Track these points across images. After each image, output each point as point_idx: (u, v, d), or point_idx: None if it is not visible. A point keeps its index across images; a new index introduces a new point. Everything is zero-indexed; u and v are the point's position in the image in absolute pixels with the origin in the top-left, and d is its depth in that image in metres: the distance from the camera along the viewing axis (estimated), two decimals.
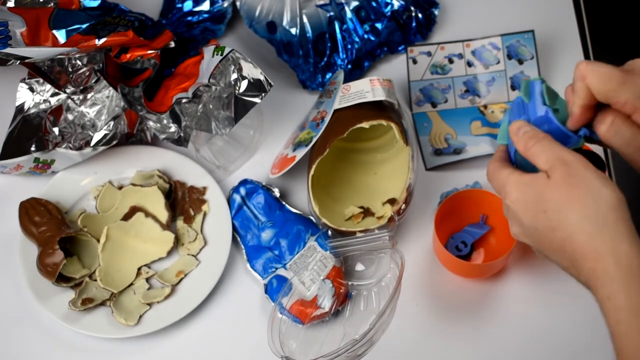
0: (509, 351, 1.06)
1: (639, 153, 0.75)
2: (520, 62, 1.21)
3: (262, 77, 1.06)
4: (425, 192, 1.14)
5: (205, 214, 1.13)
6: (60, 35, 1.09)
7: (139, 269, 1.10)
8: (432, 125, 1.20)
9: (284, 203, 1.12)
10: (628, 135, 0.75)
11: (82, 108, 1.13)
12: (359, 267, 1.08)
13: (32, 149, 1.12)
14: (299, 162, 1.09)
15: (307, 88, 1.22)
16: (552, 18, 1.27)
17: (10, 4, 1.12)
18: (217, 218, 1.12)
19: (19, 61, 1.04)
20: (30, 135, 1.13)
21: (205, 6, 1.23)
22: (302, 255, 1.08)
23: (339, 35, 1.21)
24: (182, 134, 1.07)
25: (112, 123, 1.12)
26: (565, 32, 1.26)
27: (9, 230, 1.11)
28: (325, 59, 1.21)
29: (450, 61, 1.22)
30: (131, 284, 1.09)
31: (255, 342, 1.04)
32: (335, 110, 1.10)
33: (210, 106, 1.07)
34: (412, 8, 1.23)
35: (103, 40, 1.07)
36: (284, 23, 1.20)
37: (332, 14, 1.20)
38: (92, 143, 1.11)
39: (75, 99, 1.13)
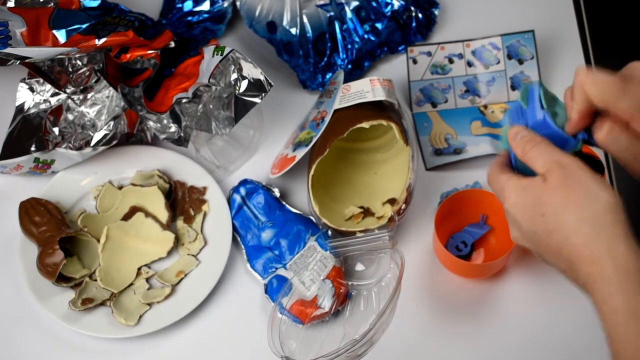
0: (509, 351, 1.06)
1: (635, 160, 0.76)
2: (521, 62, 1.21)
3: (262, 77, 1.06)
4: (425, 192, 1.14)
5: (205, 214, 1.13)
6: (60, 35, 1.09)
7: (139, 269, 1.10)
8: (432, 125, 1.20)
9: (284, 203, 1.12)
10: (625, 142, 0.75)
11: (82, 108, 1.13)
12: (359, 267, 1.08)
13: (32, 149, 1.12)
14: (299, 162, 1.09)
15: (307, 88, 1.22)
16: (552, 18, 1.27)
17: (10, 4, 1.12)
18: (217, 218, 1.12)
19: (19, 61, 1.04)
20: (30, 135, 1.13)
21: (205, 6, 1.23)
22: (302, 255, 1.08)
23: (339, 35, 1.21)
24: (182, 134, 1.07)
25: (112, 123, 1.12)
26: (565, 32, 1.26)
27: (9, 230, 1.11)
28: (325, 59, 1.21)
29: (451, 61, 1.22)
30: (131, 284, 1.09)
31: (255, 342, 1.04)
32: (335, 110, 1.10)
33: (210, 106, 1.07)
34: (412, 8, 1.23)
35: (103, 40, 1.07)
36: (284, 23, 1.20)
37: (332, 14, 1.20)
38: (92, 143, 1.11)
39: (75, 99, 1.13)
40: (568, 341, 1.05)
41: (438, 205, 1.12)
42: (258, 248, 1.10)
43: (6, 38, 1.06)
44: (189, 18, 1.22)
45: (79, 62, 1.13)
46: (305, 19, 1.20)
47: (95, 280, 1.08)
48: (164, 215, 1.11)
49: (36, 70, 1.12)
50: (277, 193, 1.13)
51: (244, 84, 1.06)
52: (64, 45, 1.08)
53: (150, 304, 1.07)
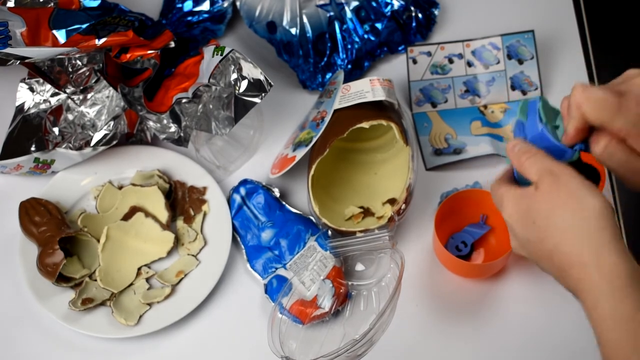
0: (509, 351, 1.06)
1: (633, 175, 0.76)
2: (520, 62, 1.21)
3: (262, 77, 1.06)
4: (425, 192, 1.14)
5: (205, 214, 1.13)
6: (60, 35, 1.09)
7: (139, 269, 1.10)
8: (432, 125, 1.20)
9: (284, 203, 1.12)
10: (622, 157, 0.75)
11: (82, 108, 1.13)
12: (359, 267, 1.08)
13: (32, 149, 1.12)
14: (299, 162, 1.09)
15: (307, 88, 1.22)
16: (552, 18, 1.27)
17: (10, 4, 1.12)
18: (217, 218, 1.12)
19: (19, 61, 1.04)
20: (30, 135, 1.13)
21: (205, 6, 1.23)
22: (302, 255, 1.08)
23: (339, 35, 1.21)
24: (182, 134, 1.07)
25: (112, 123, 1.12)
26: (565, 32, 1.26)
27: (9, 230, 1.11)
28: (325, 59, 1.21)
29: (450, 61, 1.22)
30: (131, 284, 1.09)
31: (255, 342, 1.04)
32: (335, 110, 1.10)
33: (210, 106, 1.07)
34: (412, 8, 1.23)
35: (103, 40, 1.07)
36: (284, 23, 1.20)
37: (332, 14, 1.20)
38: (92, 143, 1.11)
39: (75, 99, 1.13)
40: (568, 341, 1.06)
41: (438, 205, 1.12)
42: (258, 248, 1.10)
43: (6, 38, 1.06)
44: (189, 18, 1.22)
45: (79, 62, 1.13)
46: (305, 19, 1.20)
47: (95, 280, 1.08)
48: (164, 215, 1.11)
49: (36, 70, 1.12)
50: (277, 193, 1.13)
51: (243, 84, 1.06)
52: (64, 45, 1.08)
53: (150, 304, 1.07)
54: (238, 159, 1.17)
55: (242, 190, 1.13)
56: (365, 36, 1.21)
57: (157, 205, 1.12)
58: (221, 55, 1.07)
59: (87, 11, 1.14)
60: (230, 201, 1.13)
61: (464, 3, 1.29)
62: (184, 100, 1.07)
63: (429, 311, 1.08)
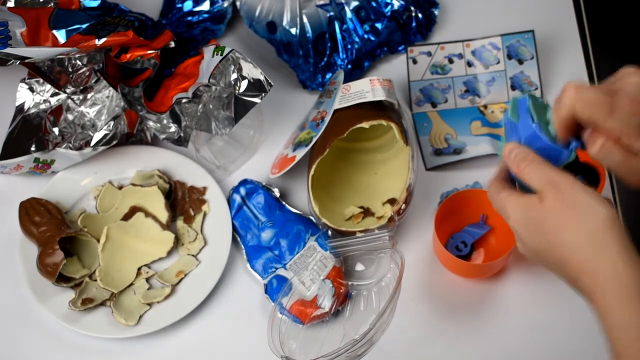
0: (509, 351, 1.06)
1: (631, 173, 0.76)
2: (520, 62, 1.21)
3: (262, 77, 1.06)
4: (425, 192, 1.14)
5: (205, 214, 1.13)
6: (60, 35, 1.09)
7: (139, 269, 1.10)
8: (432, 125, 1.20)
9: (284, 203, 1.12)
10: (619, 156, 0.75)
11: (82, 108, 1.13)
12: (359, 267, 1.08)
13: (32, 149, 1.12)
14: (299, 162, 1.09)
15: (307, 88, 1.22)
16: (552, 18, 1.27)
17: (10, 4, 1.12)
18: (217, 218, 1.12)
19: (19, 61, 1.04)
20: (30, 135, 1.13)
21: (205, 6, 1.23)
22: (302, 255, 1.08)
23: (339, 35, 1.21)
24: (182, 134, 1.07)
25: (112, 123, 1.12)
26: (565, 32, 1.26)
27: (9, 230, 1.11)
28: (325, 59, 1.21)
29: (450, 61, 1.22)
30: (131, 284, 1.09)
31: (255, 342, 1.04)
32: (335, 110, 1.10)
33: (210, 106, 1.07)
34: (412, 8, 1.23)
35: (103, 40, 1.07)
36: (284, 23, 1.20)
37: (332, 14, 1.20)
38: (92, 143, 1.11)
39: (75, 99, 1.13)
40: (568, 341, 1.06)
41: (438, 205, 1.12)
42: (258, 248, 1.10)
43: (6, 38, 1.06)
44: (189, 18, 1.22)
45: (79, 62, 1.13)
46: (305, 19, 1.20)
47: (95, 280, 1.08)
48: (164, 215, 1.11)
49: (36, 70, 1.12)
50: (277, 193, 1.13)
51: (243, 84, 1.06)
52: (64, 45, 1.08)
53: (150, 304, 1.07)
54: (238, 159, 1.17)
55: (242, 190, 1.13)
56: (365, 36, 1.21)
57: (157, 205, 1.12)
58: (221, 55, 1.07)
59: (87, 11, 1.14)
60: (230, 201, 1.13)
61: (464, 3, 1.29)
62: (184, 100, 1.07)
63: (429, 311, 1.08)
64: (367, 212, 1.12)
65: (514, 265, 1.10)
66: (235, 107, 1.06)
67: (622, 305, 0.71)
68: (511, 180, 0.83)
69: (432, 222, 1.06)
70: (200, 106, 1.07)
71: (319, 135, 1.09)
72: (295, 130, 1.18)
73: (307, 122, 1.15)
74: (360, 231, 1.07)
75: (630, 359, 0.71)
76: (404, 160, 1.10)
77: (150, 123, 1.07)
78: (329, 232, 1.08)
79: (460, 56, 1.22)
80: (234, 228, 1.12)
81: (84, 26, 1.08)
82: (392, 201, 1.10)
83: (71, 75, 1.13)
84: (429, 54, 1.22)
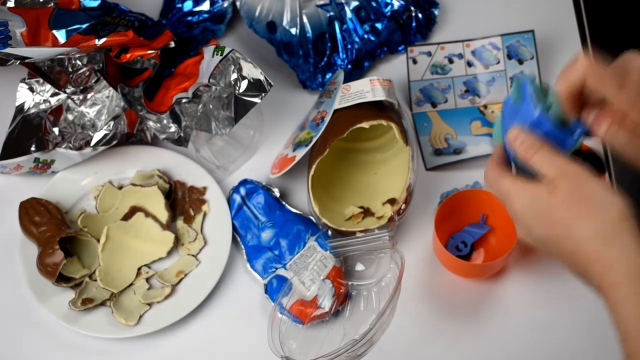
0: (509, 351, 1.06)
1: (636, 155, 0.76)
2: (520, 62, 1.21)
3: (262, 77, 1.06)
4: (425, 192, 1.14)
5: (205, 214, 1.13)
6: (60, 35, 1.09)
7: (139, 269, 1.10)
8: (432, 125, 1.19)
9: (284, 203, 1.12)
10: (625, 139, 0.75)
11: (82, 108, 1.13)
12: (359, 267, 1.08)
13: (32, 149, 1.12)
14: (299, 162, 1.09)
15: (307, 88, 1.22)
16: (552, 18, 1.27)
17: (10, 4, 1.12)
18: (217, 218, 1.12)
19: (19, 61, 1.04)
20: (30, 135, 1.13)
21: (205, 6, 1.23)
22: (302, 255, 1.08)
23: (339, 35, 1.21)
24: (182, 134, 1.07)
25: (112, 123, 1.12)
26: (565, 32, 1.26)
27: (9, 230, 1.11)
28: (325, 59, 1.21)
29: (450, 61, 1.22)
30: (131, 284, 1.09)
31: (255, 342, 1.04)
32: (335, 110, 1.10)
33: (210, 106, 1.07)
34: (412, 8, 1.23)
35: (103, 40, 1.07)
36: (284, 23, 1.20)
37: (332, 14, 1.20)
38: (92, 143, 1.11)
39: (75, 99, 1.13)
40: (568, 341, 1.05)
41: (438, 205, 1.12)
42: (258, 248, 1.10)
43: (6, 38, 1.06)
44: (189, 18, 1.22)
45: (79, 62, 1.13)
46: (305, 19, 1.20)
47: (95, 280, 1.08)
48: (164, 215, 1.11)
49: (36, 70, 1.12)
50: (277, 193, 1.13)
51: (243, 84, 1.06)
52: (64, 45, 1.08)
53: (150, 304, 1.07)
54: (238, 159, 1.17)
55: (242, 190, 1.13)
56: (365, 36, 1.21)
57: (157, 205, 1.12)
58: (221, 55, 1.07)
59: (87, 11, 1.14)
60: (230, 201, 1.13)
61: (464, 3, 1.29)
62: (184, 100, 1.07)
63: (429, 311, 1.08)
64: (367, 212, 1.12)
65: (514, 265, 1.10)
66: (235, 107, 1.06)
67: (635, 296, 0.71)
68: (508, 164, 0.82)
69: (432, 222, 1.06)
70: (200, 106, 1.07)
71: (319, 135, 1.08)
72: (295, 130, 1.18)
73: (307, 122, 1.15)
74: (360, 231, 1.07)
75: None
76: (404, 160, 1.09)
77: (150, 123, 1.07)
78: (329, 232, 1.08)
79: (460, 56, 1.22)
80: (234, 228, 1.12)
81: (84, 26, 1.08)
82: (392, 201, 1.10)
83: (71, 75, 1.13)
84: (429, 54, 1.22)
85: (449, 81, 1.22)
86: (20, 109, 1.15)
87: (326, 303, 1.05)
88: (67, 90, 1.13)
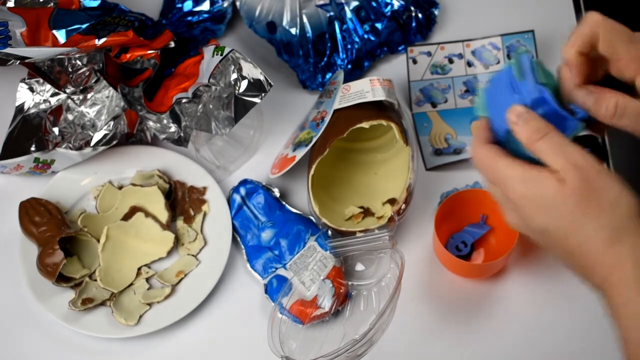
0: (509, 351, 1.06)
1: None
2: None
3: (262, 77, 1.06)
4: (425, 192, 1.14)
5: (205, 214, 1.13)
6: (60, 35, 1.09)
7: (139, 269, 1.10)
8: (432, 125, 1.20)
9: (284, 203, 1.12)
10: (635, 111, 0.72)
11: (82, 108, 1.13)
12: (359, 267, 1.08)
13: (32, 149, 1.12)
14: (299, 162, 1.09)
15: (307, 88, 1.22)
16: (552, 18, 1.27)
17: (10, 4, 1.12)
18: (217, 218, 1.12)
19: (19, 61, 1.04)
20: (30, 135, 1.13)
21: (205, 6, 1.23)
22: (302, 255, 1.08)
23: (339, 35, 1.21)
24: (182, 134, 1.07)
25: (112, 123, 1.12)
26: (565, 32, 1.25)
27: (9, 230, 1.11)
28: (325, 59, 1.21)
29: (450, 61, 1.22)
30: (131, 284, 1.09)
31: (255, 342, 1.04)
32: (335, 110, 1.10)
33: (210, 106, 1.07)
34: (412, 8, 1.23)
35: (103, 40, 1.07)
36: (284, 23, 1.20)
37: (332, 14, 1.20)
38: (92, 143, 1.11)
39: (75, 99, 1.13)
40: (568, 341, 1.05)
41: (438, 205, 1.12)
42: (258, 248, 1.10)
43: (6, 38, 1.06)
44: (189, 18, 1.22)
45: (78, 62, 1.13)
46: (305, 19, 1.20)
47: (95, 280, 1.08)
48: (164, 215, 1.11)
49: (36, 70, 1.12)
50: (277, 193, 1.13)
51: (243, 84, 1.06)
52: (64, 45, 1.08)
53: (150, 304, 1.07)
54: (238, 159, 1.17)
55: (242, 190, 1.13)
56: (365, 36, 1.21)
57: (157, 205, 1.12)
58: (221, 55, 1.07)
59: (87, 11, 1.14)
60: (230, 201, 1.13)
61: (464, 3, 1.29)
62: (184, 100, 1.07)
63: (429, 311, 1.08)
64: (367, 212, 1.12)
65: (514, 265, 1.10)
66: (235, 107, 1.06)
67: None
68: (497, 142, 0.77)
69: (432, 222, 1.06)
70: (200, 106, 1.07)
71: (319, 135, 1.08)
72: (295, 130, 1.18)
73: (307, 122, 1.15)
74: (360, 231, 1.07)
75: None
76: (404, 160, 1.09)
77: (150, 123, 1.07)
78: (329, 232, 1.08)
79: (460, 56, 1.22)
80: (234, 228, 1.12)
81: (84, 26, 1.08)
82: (392, 201, 1.10)
83: (71, 75, 1.13)
84: (429, 54, 1.22)
85: (449, 81, 1.22)
86: (20, 109, 1.15)
87: (326, 303, 1.05)
88: (67, 90, 1.13)
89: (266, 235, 1.10)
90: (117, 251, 1.10)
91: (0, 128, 1.16)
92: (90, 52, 1.11)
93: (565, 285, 1.06)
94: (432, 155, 1.17)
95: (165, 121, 1.06)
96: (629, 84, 0.76)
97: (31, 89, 1.15)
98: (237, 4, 1.21)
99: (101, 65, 1.08)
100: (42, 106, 1.15)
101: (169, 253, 1.11)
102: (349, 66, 1.21)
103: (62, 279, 1.06)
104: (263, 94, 1.06)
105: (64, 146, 1.11)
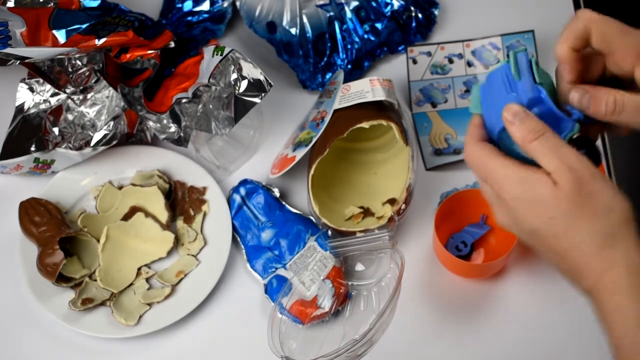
0: (509, 351, 1.06)
1: None
2: None
3: (262, 77, 1.06)
4: (425, 192, 1.14)
5: (205, 214, 1.13)
6: (60, 35, 1.09)
7: (139, 269, 1.10)
8: (432, 125, 1.20)
9: (284, 203, 1.12)
10: (633, 103, 0.72)
11: (82, 108, 1.13)
12: (359, 267, 1.08)
13: (32, 149, 1.12)
14: (299, 162, 1.09)
15: (307, 88, 1.22)
16: (552, 18, 1.26)
17: (10, 4, 1.12)
18: (217, 218, 1.12)
19: (19, 61, 1.04)
20: (30, 135, 1.13)
21: (205, 6, 1.23)
22: (302, 255, 1.08)
23: (339, 35, 1.21)
24: (182, 134, 1.07)
25: (112, 123, 1.12)
26: None
27: (9, 230, 1.11)
28: (325, 59, 1.21)
29: (450, 61, 1.22)
30: (131, 284, 1.09)
31: (255, 342, 1.04)
32: (335, 110, 1.10)
33: (210, 106, 1.07)
34: (412, 8, 1.23)
35: (103, 40, 1.07)
36: (284, 23, 1.20)
37: (332, 14, 1.20)
38: (92, 143, 1.11)
39: (75, 99, 1.13)
40: (568, 341, 1.05)
41: (438, 205, 1.12)
42: (258, 248, 1.10)
43: (6, 38, 1.06)
44: (189, 18, 1.22)
45: (78, 62, 1.13)
46: (305, 19, 1.20)
47: (95, 280, 1.08)
48: (163, 215, 1.11)
49: (36, 70, 1.12)
50: (277, 193, 1.13)
51: (243, 84, 1.06)
52: (63, 45, 1.08)
53: (150, 304, 1.07)
54: (238, 159, 1.17)
55: (242, 190, 1.13)
56: (365, 36, 1.21)
57: (157, 205, 1.12)
58: (221, 55, 1.07)
59: (87, 11, 1.14)
60: (230, 201, 1.13)
61: (464, 3, 1.29)
62: (184, 100, 1.07)
63: (429, 311, 1.08)
64: (367, 212, 1.12)
65: (514, 265, 1.10)
66: (235, 107, 1.06)
67: (636, 299, 0.69)
68: (490, 140, 0.76)
69: (432, 222, 1.06)
70: (200, 106, 1.07)
71: (319, 135, 1.08)
72: (295, 130, 1.18)
73: (307, 122, 1.15)
74: (360, 231, 1.07)
75: (638, 357, 0.69)
76: (404, 160, 1.09)
77: (150, 123, 1.07)
78: (329, 232, 1.08)
79: (460, 56, 1.22)
80: (234, 228, 1.12)
81: (84, 26, 1.08)
82: (392, 201, 1.10)
83: (71, 75, 1.13)
84: (429, 54, 1.22)
85: (449, 81, 1.22)
86: (20, 109, 1.15)
87: (326, 303, 1.05)
88: (67, 90, 1.13)
89: (266, 235, 1.10)
90: (117, 251, 1.10)
91: (0, 128, 1.16)
92: (90, 52, 1.11)
93: (565, 285, 1.05)
94: (432, 155, 1.17)
95: (165, 121, 1.06)
96: (628, 78, 0.76)
97: (31, 89, 1.15)
98: (237, 4, 1.21)
99: (101, 65, 1.08)
100: (42, 106, 1.15)
101: (169, 253, 1.11)
102: (349, 66, 1.21)
103: (62, 279, 1.06)
104: (263, 94, 1.06)
105: (64, 146, 1.11)
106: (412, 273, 1.09)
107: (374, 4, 1.22)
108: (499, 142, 0.76)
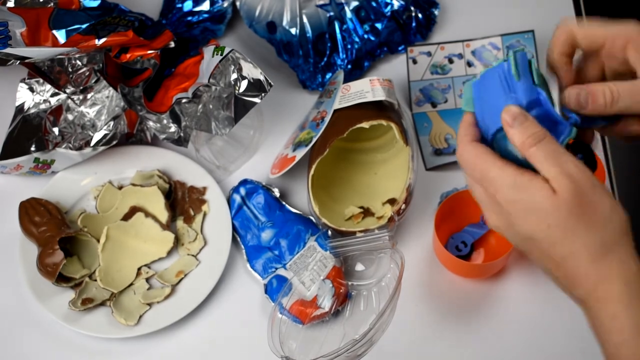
0: (509, 351, 1.06)
1: None
2: None
3: (262, 77, 1.06)
4: (425, 192, 1.14)
5: (205, 214, 1.13)
6: (60, 35, 1.09)
7: (139, 269, 1.10)
8: (432, 125, 1.20)
9: (284, 203, 1.12)
10: (628, 90, 0.72)
11: (82, 108, 1.13)
12: (359, 267, 1.08)
13: (32, 149, 1.12)
14: (299, 162, 1.09)
15: (307, 88, 1.22)
16: (552, 18, 1.26)
17: (10, 4, 1.12)
18: (217, 218, 1.12)
19: (19, 61, 1.04)
20: (30, 135, 1.13)
21: (205, 6, 1.23)
22: (302, 255, 1.08)
23: (339, 35, 1.21)
24: (182, 134, 1.07)
25: (112, 123, 1.12)
26: None
27: (9, 230, 1.11)
28: (325, 59, 1.21)
29: (450, 61, 1.22)
30: (131, 284, 1.09)
31: (255, 342, 1.04)
32: (335, 110, 1.10)
33: (210, 106, 1.07)
34: (412, 8, 1.23)
35: (103, 40, 1.07)
36: (284, 23, 1.20)
37: (332, 14, 1.20)
38: (92, 143, 1.11)
39: (75, 99, 1.13)
40: (568, 341, 1.05)
41: (438, 205, 1.12)
42: (258, 248, 1.10)
43: (6, 38, 1.06)
44: (189, 18, 1.22)
45: (78, 62, 1.13)
46: (305, 19, 1.20)
47: (95, 280, 1.08)
48: (163, 215, 1.11)
49: (36, 70, 1.12)
50: (277, 193, 1.13)
51: (243, 84, 1.06)
52: (63, 45, 1.08)
53: (150, 304, 1.07)
54: (238, 159, 1.17)
55: (242, 190, 1.13)
56: (365, 36, 1.21)
57: (157, 205, 1.12)
58: (221, 55, 1.07)
59: (87, 11, 1.14)
60: (230, 201, 1.13)
61: (464, 3, 1.29)
62: (184, 100, 1.07)
63: (429, 311, 1.08)
64: (367, 212, 1.12)
65: (514, 265, 1.10)
66: (235, 107, 1.06)
67: (632, 308, 0.69)
68: (482, 139, 0.75)
69: (432, 222, 1.06)
70: (200, 106, 1.07)
71: (319, 135, 1.08)
72: (295, 130, 1.18)
73: (307, 122, 1.15)
74: (360, 231, 1.07)
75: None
76: (404, 160, 1.10)
77: (150, 123, 1.07)
78: (329, 232, 1.08)
79: (460, 56, 1.22)
80: (234, 228, 1.12)
81: (84, 26, 1.08)
82: (392, 201, 1.10)
83: (71, 75, 1.13)
84: (429, 54, 1.22)
85: (449, 81, 1.22)
86: (20, 109, 1.15)
87: (326, 303, 1.05)
88: (67, 90, 1.13)
89: (266, 235, 1.10)
90: (117, 251, 1.10)
91: (0, 128, 1.16)
92: (90, 52, 1.11)
93: None
94: (432, 155, 1.17)
95: (165, 121, 1.06)
96: (625, 70, 0.77)
97: (31, 89, 1.15)
98: (237, 4, 1.21)
99: (101, 65, 1.08)
100: (42, 106, 1.15)
101: (169, 253, 1.11)
102: (349, 66, 1.21)
103: (62, 279, 1.06)
104: (263, 94, 1.06)
105: (64, 146, 1.11)
106: (412, 273, 1.09)
107: (374, 4, 1.22)
108: (493, 142, 0.75)
